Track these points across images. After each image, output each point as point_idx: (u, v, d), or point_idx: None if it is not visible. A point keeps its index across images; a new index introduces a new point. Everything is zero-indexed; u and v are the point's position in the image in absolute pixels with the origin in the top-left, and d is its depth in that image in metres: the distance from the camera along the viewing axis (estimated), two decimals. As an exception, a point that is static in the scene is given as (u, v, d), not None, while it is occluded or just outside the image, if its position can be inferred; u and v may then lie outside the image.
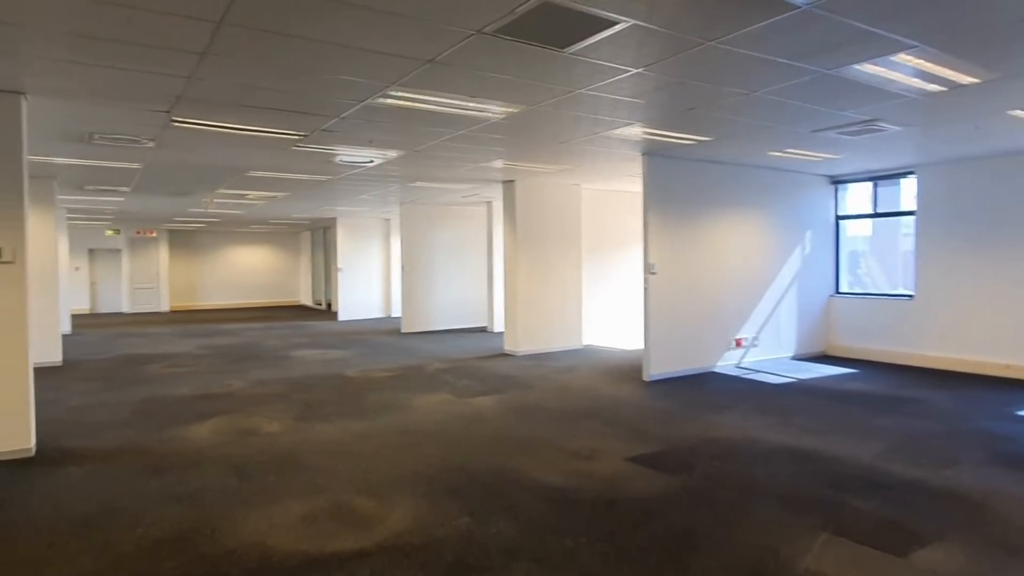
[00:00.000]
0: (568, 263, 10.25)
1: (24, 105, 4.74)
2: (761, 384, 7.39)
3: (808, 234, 9.17)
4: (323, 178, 9.05)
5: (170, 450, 4.93)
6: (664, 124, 5.87)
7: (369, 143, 6.55)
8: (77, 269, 19.03)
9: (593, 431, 5.46)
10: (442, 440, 5.22)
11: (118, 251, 19.52)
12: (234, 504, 3.85)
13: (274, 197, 11.34)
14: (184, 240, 20.54)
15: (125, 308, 19.38)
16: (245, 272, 21.59)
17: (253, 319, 16.46)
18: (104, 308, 19.50)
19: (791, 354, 9.01)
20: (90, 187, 9.94)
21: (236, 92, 4.68)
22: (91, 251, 19.28)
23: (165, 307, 19.72)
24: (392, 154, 7.19)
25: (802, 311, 9.11)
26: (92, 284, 19.43)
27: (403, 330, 12.95)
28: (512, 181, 9.61)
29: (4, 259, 4.68)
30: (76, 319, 16.66)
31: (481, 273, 13.33)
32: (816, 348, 9.29)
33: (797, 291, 9.04)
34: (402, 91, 4.69)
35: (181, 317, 17.54)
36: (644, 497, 3.95)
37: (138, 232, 19.41)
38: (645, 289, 7.59)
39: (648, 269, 7.55)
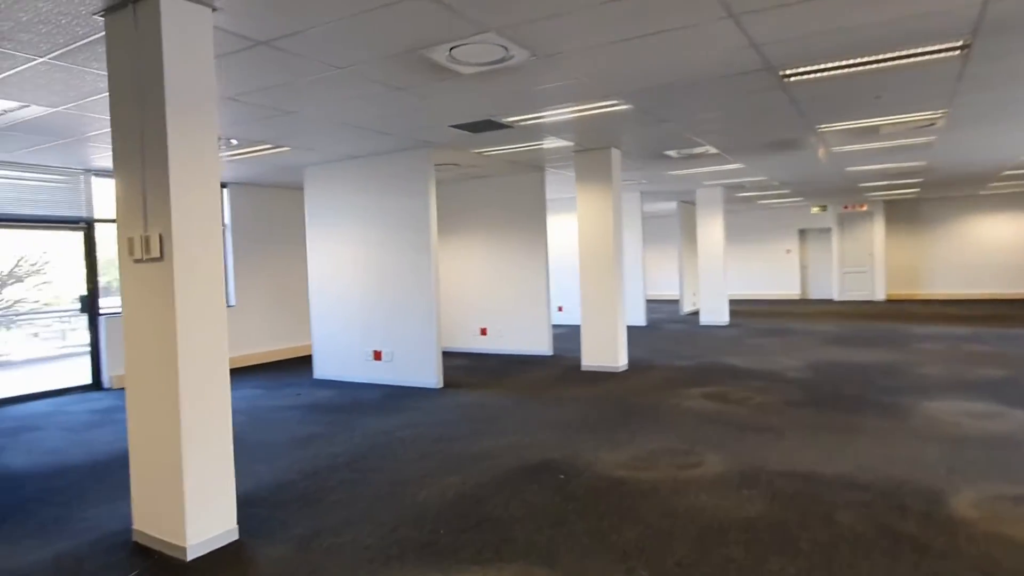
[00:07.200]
0: None
1: (172, 11, 2.86)
2: None
3: None
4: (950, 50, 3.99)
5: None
6: None
7: None
8: (788, 252, 17.22)
9: None
10: None
11: (827, 230, 16.57)
12: None
13: (931, 124, 6.30)
14: (904, 212, 15.78)
15: (835, 295, 16.31)
16: (988, 252, 15.00)
17: (969, 321, 10.74)
18: (815, 293, 17.00)
19: None
20: (672, 152, 7.66)
21: None
22: (801, 232, 17.05)
23: (879, 295, 15.59)
24: None
25: None
26: (803, 268, 17.19)
27: None
28: None
29: (150, 255, 2.94)
30: (765, 304, 14.84)
31: None
32: None
33: None
34: None
35: (885, 310, 13.26)
36: None
37: (846, 207, 15.93)
38: None
39: None
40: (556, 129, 6.06)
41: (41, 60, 3.61)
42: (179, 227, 2.87)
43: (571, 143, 6.85)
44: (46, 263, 9.99)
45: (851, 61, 4.12)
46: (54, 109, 4.65)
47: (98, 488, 3.99)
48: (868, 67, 4.24)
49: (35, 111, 4.69)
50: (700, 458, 4.07)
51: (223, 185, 8.66)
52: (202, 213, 2.97)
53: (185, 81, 2.91)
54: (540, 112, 5.34)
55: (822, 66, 4.21)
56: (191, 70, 2.93)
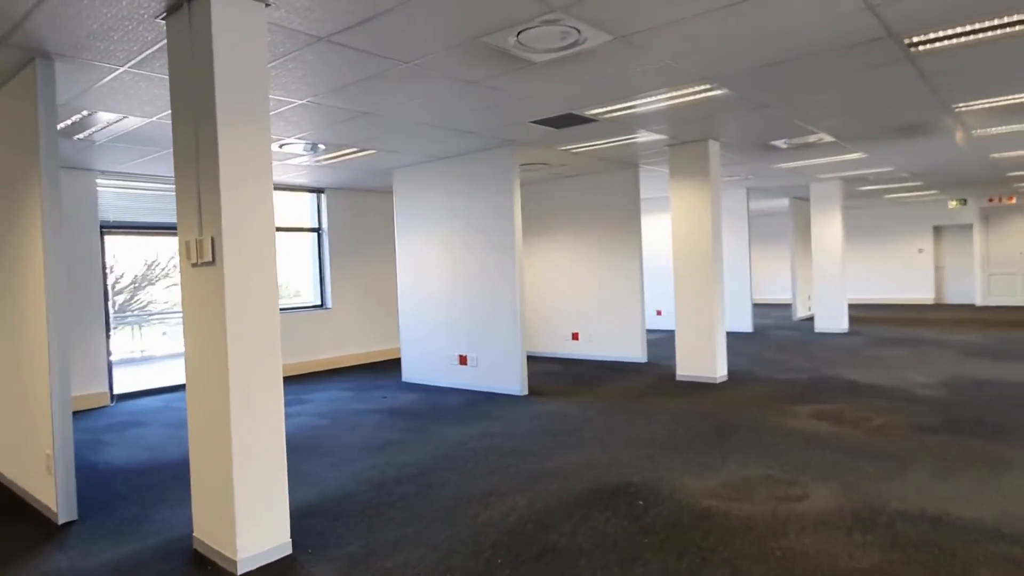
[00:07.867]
0: None
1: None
2: None
3: None
4: None
5: None
6: None
7: None
8: (921, 251, 15.53)
9: None
10: None
11: (968, 227, 14.78)
12: None
13: (1104, 98, 5.27)
14: (1066, 205, 13.74)
15: (977, 300, 14.50)
16: None
17: None
18: (953, 298, 15.22)
19: None
20: (779, 143, 6.95)
21: None
22: (936, 229, 15.32)
23: (1032, 300, 13.69)
24: None
25: None
26: (938, 269, 15.44)
27: None
28: None
29: (203, 259, 2.86)
30: (893, 310, 13.36)
31: None
32: None
33: None
34: None
35: (1036, 317, 11.58)
36: None
37: (991, 199, 14.10)
38: None
39: None
40: (644, 121, 5.63)
41: (123, 69, 3.70)
42: (230, 230, 2.77)
43: (664, 136, 6.37)
44: (174, 267, 10.70)
45: (994, 23, 3.42)
46: (149, 119, 4.82)
47: (177, 488, 4.05)
48: (1015, 29, 3.51)
49: (133, 122, 4.89)
50: (805, 490, 3.52)
51: (320, 191, 8.88)
52: (254, 216, 2.86)
53: (237, 78, 2.81)
54: (624, 103, 4.94)
55: (957, 30, 3.53)
56: (243, 66, 2.83)
